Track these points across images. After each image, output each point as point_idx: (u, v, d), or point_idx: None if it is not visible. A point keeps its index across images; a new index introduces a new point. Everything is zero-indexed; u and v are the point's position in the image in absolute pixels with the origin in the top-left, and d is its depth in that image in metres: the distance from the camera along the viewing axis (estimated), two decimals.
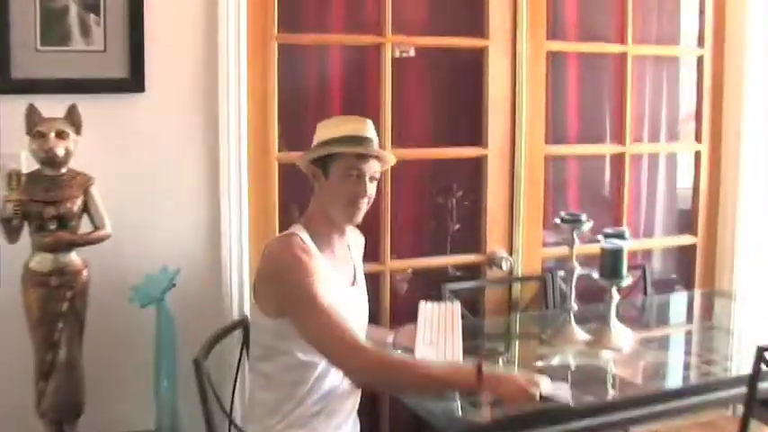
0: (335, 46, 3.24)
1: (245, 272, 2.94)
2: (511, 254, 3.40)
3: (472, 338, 2.83)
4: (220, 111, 2.84)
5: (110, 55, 2.69)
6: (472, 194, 3.44)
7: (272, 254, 2.33)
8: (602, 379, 2.70)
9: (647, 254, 3.91)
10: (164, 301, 2.73)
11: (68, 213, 2.52)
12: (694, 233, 3.77)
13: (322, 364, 2.30)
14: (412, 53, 3.27)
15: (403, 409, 2.64)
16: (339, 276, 2.41)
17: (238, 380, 2.69)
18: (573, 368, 2.77)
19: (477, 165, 3.37)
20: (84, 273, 2.59)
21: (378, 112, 3.11)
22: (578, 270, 2.98)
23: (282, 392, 2.34)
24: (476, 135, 3.34)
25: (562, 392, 2.30)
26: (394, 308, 3.24)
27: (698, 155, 3.74)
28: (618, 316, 2.92)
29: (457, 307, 2.84)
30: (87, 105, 2.56)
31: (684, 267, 3.90)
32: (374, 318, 2.76)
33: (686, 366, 2.86)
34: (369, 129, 2.40)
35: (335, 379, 2.35)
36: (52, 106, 2.52)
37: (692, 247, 3.79)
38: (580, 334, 2.96)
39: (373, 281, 3.05)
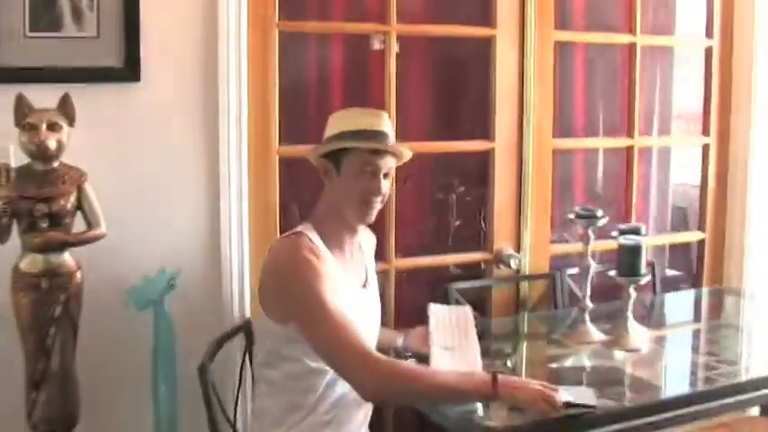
0: (338, 34, 3.10)
1: (246, 272, 2.80)
2: (518, 251, 3.28)
3: (481, 339, 2.70)
4: (220, 101, 2.69)
5: (103, 42, 2.52)
6: (478, 190, 3.33)
7: (278, 255, 2.20)
8: (624, 381, 2.59)
9: (656, 251, 3.81)
10: (162, 305, 2.57)
11: (61, 211, 2.35)
12: (702, 229, 3.68)
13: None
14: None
15: (407, 410, 2.51)
16: (350, 278, 2.28)
17: (241, 387, 2.54)
18: (589, 369, 2.66)
19: (484, 159, 3.24)
20: (78, 275, 2.42)
21: (381, 104, 2.98)
22: (594, 267, 2.87)
23: (290, 401, 2.21)
24: (482, 128, 3.22)
25: (587, 397, 2.20)
26: (399, 307, 3.11)
27: (705, 148, 3.65)
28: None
29: (468, 310, 2.72)
30: (79, 95, 2.39)
31: (691, 264, 3.81)
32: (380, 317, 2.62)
33: (707, 367, 2.74)
34: (385, 122, 2.27)
35: (347, 386, 2.20)
36: (42, 96, 2.34)
37: (701, 244, 3.69)
38: (596, 334, 2.85)
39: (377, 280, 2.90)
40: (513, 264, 3.23)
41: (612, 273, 2.81)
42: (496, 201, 3.23)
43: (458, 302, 3.09)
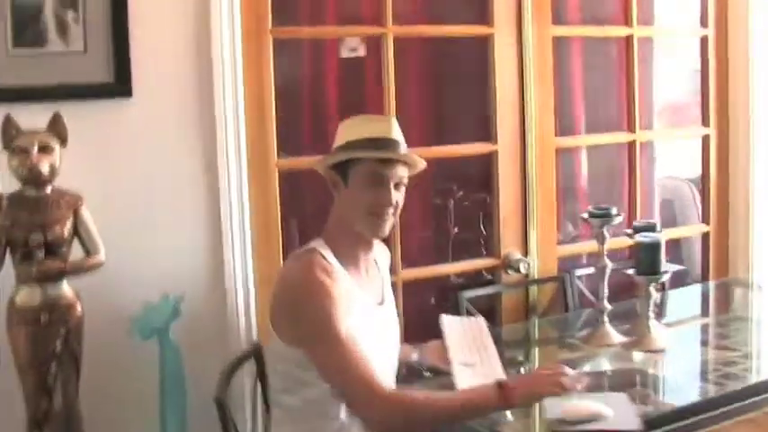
0: (332, 40, 2.97)
1: (252, 293, 2.66)
2: (526, 255, 3.18)
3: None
4: (217, 114, 2.56)
5: (91, 56, 2.38)
6: (481, 194, 3.22)
7: (289, 274, 2.08)
8: (657, 384, 2.49)
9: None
10: (167, 333, 2.43)
11: (58, 239, 2.20)
12: (707, 221, 3.61)
13: None
14: (361, 52, 3.03)
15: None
16: (366, 296, 2.15)
17: (251, 414, 2.44)
18: (613, 373, 2.57)
19: (486, 162, 3.14)
20: (78, 306, 2.27)
21: (380, 108, 2.86)
22: (610, 266, 2.78)
23: (311, 429, 2.08)
24: (483, 130, 3.12)
25: (625, 414, 2.12)
26: (407, 319, 2.98)
27: (705, 139, 3.58)
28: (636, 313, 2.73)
29: (482, 321, 2.60)
30: (68, 114, 2.25)
31: (693, 257, 3.75)
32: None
33: (735, 363, 2.66)
34: (393, 129, 2.14)
35: None
36: (28, 116, 2.21)
37: (706, 236, 3.63)
38: (615, 336, 2.76)
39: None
40: (522, 268, 3.12)
41: (630, 271, 2.73)
42: (502, 204, 3.13)
43: (468, 312, 2.99)
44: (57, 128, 2.21)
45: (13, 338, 2.21)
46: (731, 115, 3.55)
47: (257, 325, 2.66)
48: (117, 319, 2.40)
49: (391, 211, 2.10)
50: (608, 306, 2.78)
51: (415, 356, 2.46)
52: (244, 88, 2.60)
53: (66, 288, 2.25)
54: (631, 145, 3.41)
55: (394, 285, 2.90)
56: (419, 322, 2.86)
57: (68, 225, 2.22)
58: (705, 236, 3.63)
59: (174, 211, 2.55)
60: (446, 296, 3.25)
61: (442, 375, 2.28)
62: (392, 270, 2.87)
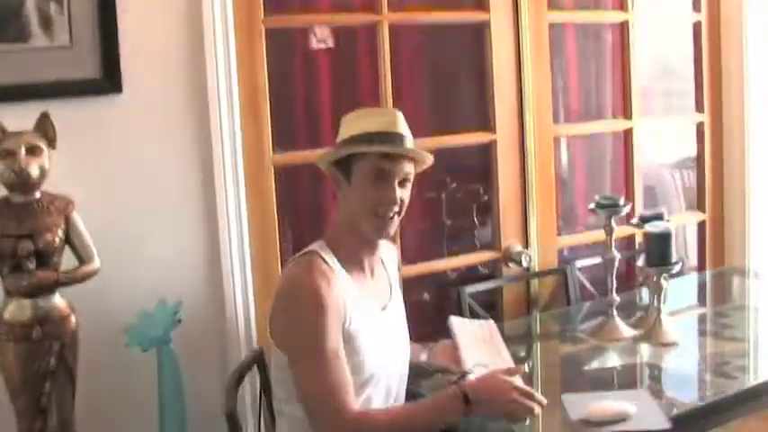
0: (326, 27, 2.85)
1: (251, 298, 2.54)
2: (526, 247, 3.09)
3: None
4: (211, 110, 2.42)
5: (77, 51, 2.22)
6: (480, 185, 3.12)
7: (286, 280, 1.97)
8: (675, 380, 2.42)
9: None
10: (167, 343, 2.29)
11: (49, 247, 2.05)
12: (702, 209, 3.56)
13: (361, 398, 1.95)
14: (330, 44, 2.91)
15: None
16: (369, 301, 2.03)
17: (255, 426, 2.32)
18: (624, 368, 2.50)
19: (484, 152, 3.04)
20: (72, 319, 2.13)
21: (375, 97, 2.75)
22: (618, 258, 2.71)
23: None
24: (481, 119, 3.01)
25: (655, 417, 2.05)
26: (409, 317, 2.88)
27: (700, 126, 3.52)
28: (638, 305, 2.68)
29: (493, 324, 2.50)
30: (54, 113, 2.09)
31: (686, 245, 3.70)
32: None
33: (742, 355, 2.60)
34: (398, 123, 2.01)
35: None
36: (12, 117, 2.05)
37: (702, 225, 3.57)
38: (625, 329, 2.69)
39: None
40: (524, 261, 3.04)
41: (640, 262, 2.67)
42: (501, 195, 3.03)
43: (471, 308, 2.90)
44: (44, 128, 2.05)
45: (2, 356, 2.05)
46: (725, 101, 3.50)
47: (257, 330, 2.53)
48: (111, 329, 2.26)
49: (396, 209, 1.98)
50: (617, 299, 2.71)
51: (424, 357, 2.34)
52: (238, 80, 2.46)
53: (58, 299, 2.10)
54: (627, 132, 3.34)
55: None
56: (417, 320, 2.74)
57: (60, 232, 2.07)
58: (701, 224, 3.58)
59: (168, 213, 2.41)
60: (445, 292, 3.16)
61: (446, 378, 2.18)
62: None
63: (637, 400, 2.13)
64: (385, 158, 1.95)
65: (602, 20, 3.36)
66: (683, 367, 2.50)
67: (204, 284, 2.47)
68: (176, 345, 2.33)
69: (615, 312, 2.70)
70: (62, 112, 2.13)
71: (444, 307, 3.12)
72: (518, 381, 1.99)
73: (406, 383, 2.16)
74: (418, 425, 1.92)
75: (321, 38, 2.88)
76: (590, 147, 3.60)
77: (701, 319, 3.01)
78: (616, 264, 2.71)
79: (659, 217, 2.75)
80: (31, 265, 2.02)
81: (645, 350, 2.59)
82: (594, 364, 2.55)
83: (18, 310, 2.05)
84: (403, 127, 2.01)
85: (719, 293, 3.38)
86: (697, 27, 3.47)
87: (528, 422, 1.99)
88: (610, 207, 2.67)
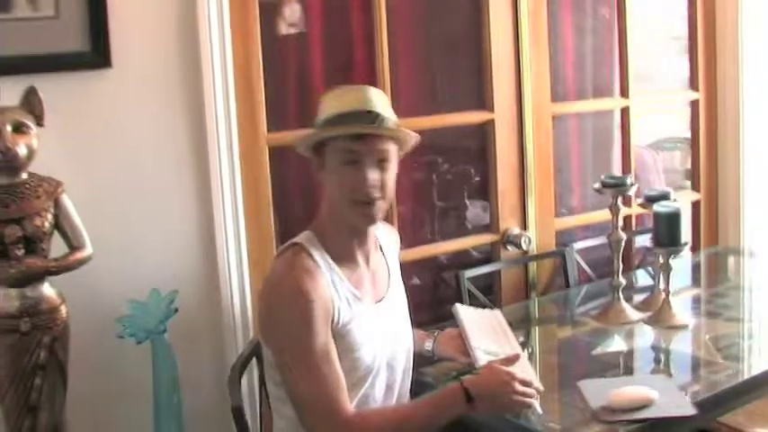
0: (318, 2, 2.71)
1: (246, 284, 2.41)
2: (524, 229, 3.00)
3: None
4: (205, 85, 2.28)
5: (64, 22, 2.07)
6: (477, 166, 3.01)
7: (270, 280, 1.84)
8: (691, 363, 2.36)
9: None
10: (162, 335, 2.15)
11: (37, 232, 1.91)
12: (697, 189, 3.51)
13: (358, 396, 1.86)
14: (303, 27, 2.78)
15: None
16: (363, 294, 1.91)
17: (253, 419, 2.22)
18: (638, 352, 2.44)
19: (480, 132, 2.94)
20: (63, 309, 1.99)
21: (373, 77, 2.63)
22: (625, 238, 2.63)
23: None
24: (479, 98, 2.91)
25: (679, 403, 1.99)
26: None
27: (694, 104, 3.46)
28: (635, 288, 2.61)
29: (499, 314, 2.41)
30: (40, 89, 1.94)
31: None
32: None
33: (752, 336, 2.55)
34: (370, 99, 1.84)
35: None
36: None
37: (696, 204, 3.52)
38: (632, 312, 2.62)
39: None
40: (523, 244, 2.95)
41: (647, 243, 2.60)
42: (500, 176, 2.93)
43: (470, 293, 2.81)
44: (31, 104, 1.91)
45: None
46: (719, 79, 3.44)
47: (253, 317, 2.41)
48: (101, 320, 2.13)
49: (376, 194, 1.82)
50: (622, 281, 2.64)
51: (428, 345, 2.25)
52: (233, 53, 2.32)
53: (48, 289, 1.96)
54: (624, 111, 3.27)
55: None
56: (414, 306, 2.64)
57: (49, 216, 1.93)
58: (695, 204, 3.52)
59: (160, 195, 2.27)
60: (440, 277, 3.06)
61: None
62: None
63: (657, 385, 2.06)
64: (356, 139, 1.80)
65: None
66: (694, 350, 2.44)
67: (198, 270, 2.34)
68: (170, 335, 2.20)
69: (621, 295, 2.64)
70: (47, 88, 1.98)
71: (441, 292, 3.02)
72: (518, 369, 1.91)
73: (410, 375, 2.05)
74: (417, 425, 1.84)
75: (291, 21, 2.73)
76: (583, 126, 3.51)
77: (699, 299, 2.95)
78: (622, 245, 2.64)
79: (665, 196, 2.68)
80: (19, 251, 1.88)
81: (654, 333, 2.52)
82: (603, 349, 2.47)
83: (5, 300, 1.91)
84: (375, 103, 1.84)
85: (715, 273, 3.33)
86: (692, 3, 3.40)
87: (534, 413, 1.91)
88: (616, 186, 2.60)
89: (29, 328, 1.91)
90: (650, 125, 4.53)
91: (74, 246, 1.98)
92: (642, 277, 3.13)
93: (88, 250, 1.99)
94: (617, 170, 3.39)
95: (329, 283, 1.81)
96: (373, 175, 1.81)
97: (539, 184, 3.01)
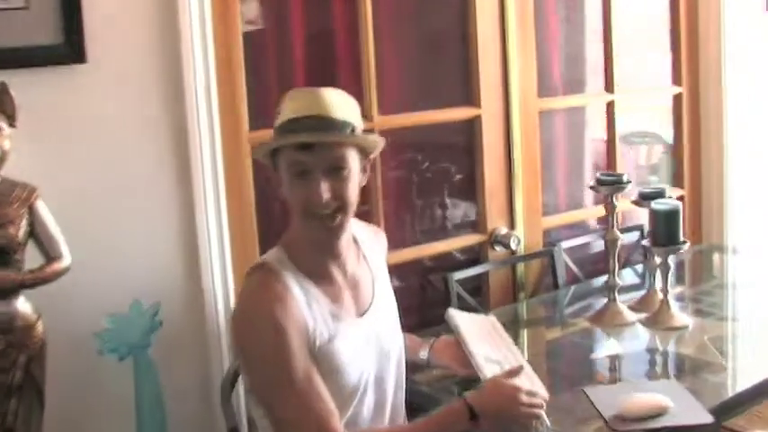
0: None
1: (231, 294, 2.27)
2: (512, 228, 2.91)
3: None
4: (186, 81, 2.14)
5: (34, 13, 1.91)
6: (463, 163, 2.91)
7: (239, 309, 1.71)
8: (698, 366, 2.28)
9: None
10: (145, 350, 2.01)
11: (11, 242, 1.76)
12: (681, 185, 3.45)
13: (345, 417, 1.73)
14: (260, 25, 2.66)
15: None
16: (343, 311, 1.76)
17: None
18: (640, 356, 2.36)
19: (467, 128, 2.84)
20: (39, 326, 1.83)
21: (357, 73, 2.51)
22: (621, 239, 2.56)
23: None
24: (464, 93, 2.81)
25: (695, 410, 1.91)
26: None
27: (677, 98, 3.41)
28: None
29: (494, 319, 2.30)
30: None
31: None
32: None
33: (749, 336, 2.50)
34: (321, 103, 1.66)
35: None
36: None
37: (679, 200, 3.44)
38: (629, 314, 2.55)
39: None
40: (513, 244, 2.86)
41: (645, 242, 2.53)
42: (487, 175, 2.84)
43: (459, 296, 2.71)
44: (2, 103, 1.76)
45: None
46: (702, 72, 3.39)
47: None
48: (79, 335, 1.98)
49: (330, 206, 1.67)
50: (619, 282, 2.57)
51: (423, 354, 2.11)
52: (214, 46, 2.18)
53: (22, 304, 1.81)
54: (609, 105, 3.20)
55: None
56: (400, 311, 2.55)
57: (23, 225, 1.78)
58: (678, 199, 3.45)
59: (139, 199, 2.12)
60: (426, 279, 2.95)
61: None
62: None
63: (668, 391, 1.98)
64: (303, 149, 1.63)
65: None
66: (697, 353, 2.37)
67: (181, 280, 2.20)
68: (152, 348, 2.06)
69: (617, 296, 2.56)
70: (16, 85, 1.83)
71: (427, 295, 2.92)
72: (523, 381, 1.81)
73: (404, 390, 1.91)
74: None
75: (249, 18, 2.58)
76: (559, 122, 3.44)
77: (684, 298, 2.88)
78: (619, 244, 2.56)
79: (661, 194, 2.61)
80: None
81: (653, 335, 2.45)
82: (601, 352, 2.40)
83: None
84: (328, 107, 1.66)
85: (700, 271, 3.28)
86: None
87: (543, 425, 1.80)
88: (612, 184, 2.52)
89: (2, 347, 1.77)
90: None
91: (50, 256, 1.83)
92: (628, 275, 3.07)
93: (66, 261, 1.84)
94: (588, 167, 3.35)
95: (303, 306, 1.67)
96: (324, 187, 1.64)
97: (526, 182, 2.92)
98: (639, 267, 3.17)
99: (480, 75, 2.79)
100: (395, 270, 2.70)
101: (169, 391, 2.10)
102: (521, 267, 2.96)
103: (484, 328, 2.20)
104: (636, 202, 2.66)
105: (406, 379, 1.95)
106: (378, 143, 1.75)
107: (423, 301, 2.91)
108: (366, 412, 1.78)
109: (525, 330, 2.68)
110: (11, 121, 1.76)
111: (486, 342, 2.11)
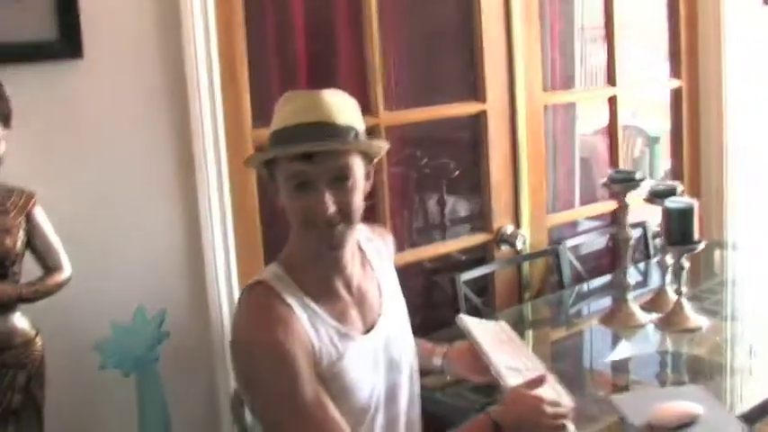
0: None
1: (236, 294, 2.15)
2: (517, 227, 2.82)
3: None
4: (188, 77, 2.02)
5: (28, 7, 1.79)
6: (468, 160, 2.82)
7: (239, 336, 1.56)
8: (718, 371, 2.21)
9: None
10: (153, 363, 1.88)
11: (9, 254, 1.63)
12: (680, 179, 3.39)
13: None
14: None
15: None
16: (349, 328, 1.64)
17: None
18: (658, 359, 2.28)
19: (472, 124, 2.75)
20: (38, 342, 1.71)
21: (362, 68, 2.40)
22: (634, 236, 2.49)
23: None
24: (470, 89, 2.71)
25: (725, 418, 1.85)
26: None
27: (677, 92, 3.35)
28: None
29: (506, 325, 2.20)
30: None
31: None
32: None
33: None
34: (322, 108, 1.53)
35: None
36: None
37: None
38: (641, 315, 2.48)
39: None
40: (519, 243, 2.77)
41: (658, 241, 2.46)
42: (493, 171, 2.75)
43: (467, 297, 2.61)
44: None
45: None
46: (702, 66, 3.33)
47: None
48: (77, 350, 1.85)
49: (335, 219, 1.54)
50: (631, 282, 2.50)
51: (437, 362, 2.00)
52: (217, 38, 2.06)
53: (20, 320, 1.68)
54: (611, 100, 3.13)
55: None
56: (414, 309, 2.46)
57: (21, 234, 1.65)
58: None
59: (140, 202, 2.01)
60: (430, 280, 2.86)
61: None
62: None
63: (695, 397, 1.91)
64: (304, 159, 1.50)
65: None
66: (715, 356, 2.31)
67: (184, 285, 2.08)
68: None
69: (629, 297, 2.49)
70: (8, 82, 1.69)
71: (432, 296, 2.83)
72: (546, 391, 1.71)
73: (417, 406, 1.79)
74: None
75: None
76: (567, 116, 3.38)
77: (690, 297, 2.81)
78: (631, 242, 2.49)
79: (673, 191, 2.54)
80: None
81: (668, 337, 2.37)
82: (617, 355, 2.32)
83: None
84: (328, 112, 1.53)
85: (702, 269, 3.22)
86: None
87: None
88: (625, 181, 2.45)
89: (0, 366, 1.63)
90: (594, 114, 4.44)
91: (49, 267, 1.70)
92: (631, 273, 2.99)
93: (67, 272, 1.72)
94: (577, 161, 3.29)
95: (307, 326, 1.55)
96: (329, 199, 1.52)
97: (532, 179, 2.84)
98: (642, 265, 3.12)
99: (486, 69, 2.69)
100: (397, 271, 2.63)
101: (172, 407, 1.98)
102: (526, 266, 2.88)
103: (498, 335, 2.11)
104: (648, 200, 2.59)
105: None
106: (383, 148, 1.63)
107: (427, 303, 2.83)
108: (378, 430, 1.67)
109: (531, 331, 2.59)
110: (6, 121, 1.63)
111: (503, 349, 2.01)
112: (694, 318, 2.43)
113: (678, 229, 2.42)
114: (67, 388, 1.84)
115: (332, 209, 1.51)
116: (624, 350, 2.37)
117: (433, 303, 2.81)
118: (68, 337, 1.85)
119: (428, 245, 2.77)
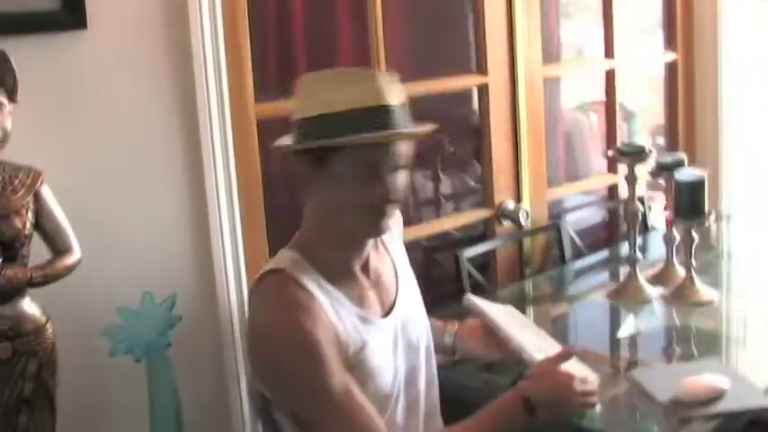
0: None
1: (244, 284, 2.08)
2: (518, 201, 2.78)
3: None
4: (194, 46, 1.92)
5: None
6: (469, 136, 2.76)
7: (260, 325, 1.51)
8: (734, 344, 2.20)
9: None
10: (165, 349, 1.80)
11: (17, 235, 1.53)
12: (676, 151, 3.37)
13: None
14: None
15: None
16: (369, 312, 1.60)
17: None
18: (673, 333, 2.27)
19: (470, 97, 2.69)
20: (49, 329, 1.62)
21: (364, 42, 2.33)
22: (642, 209, 2.46)
23: None
24: (468, 59, 2.65)
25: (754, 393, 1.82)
26: None
27: (672, 66, 3.31)
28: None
29: (513, 309, 2.15)
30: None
31: None
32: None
33: None
34: (385, 91, 1.45)
35: None
36: None
37: None
38: (650, 289, 2.45)
39: None
40: (521, 218, 2.73)
41: (667, 213, 2.43)
42: (494, 146, 2.69)
43: (471, 275, 2.57)
44: (1, 74, 1.52)
45: None
46: (697, 39, 3.30)
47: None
48: (89, 335, 1.76)
49: (398, 203, 1.53)
50: (639, 256, 2.46)
51: (448, 339, 1.93)
52: (222, 8, 1.97)
53: (30, 305, 1.59)
54: (609, 73, 3.08)
55: None
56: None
57: (29, 215, 1.55)
58: None
59: (146, 178, 1.91)
60: (430, 257, 2.81)
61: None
62: None
63: (717, 371, 1.88)
64: (374, 146, 1.46)
65: None
66: (731, 329, 2.29)
67: (191, 264, 2.00)
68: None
69: (638, 271, 2.46)
70: (12, 53, 1.58)
71: (433, 273, 2.78)
72: (574, 367, 1.68)
73: (436, 388, 1.75)
74: None
75: None
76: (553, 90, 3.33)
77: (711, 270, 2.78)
78: (639, 217, 2.46)
79: (680, 163, 2.51)
80: None
81: (679, 311, 2.35)
82: (629, 330, 2.29)
83: None
84: (394, 95, 1.47)
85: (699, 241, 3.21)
86: None
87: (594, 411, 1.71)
88: (634, 154, 2.41)
89: (9, 355, 1.55)
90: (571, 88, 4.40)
91: (59, 249, 1.61)
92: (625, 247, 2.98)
93: (77, 254, 1.63)
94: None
95: (330, 312, 1.50)
96: (393, 183, 1.48)
97: (532, 153, 2.79)
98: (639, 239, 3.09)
99: (487, 41, 2.62)
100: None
101: (181, 392, 1.91)
102: (527, 242, 2.84)
103: (511, 315, 2.06)
104: (654, 173, 2.56)
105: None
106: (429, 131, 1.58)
107: (429, 280, 2.77)
108: (398, 417, 1.62)
109: (531, 307, 2.57)
110: (11, 95, 1.53)
111: (519, 328, 1.97)
112: (705, 291, 2.41)
113: (688, 202, 2.39)
114: (78, 373, 1.75)
115: (395, 193, 1.48)
116: (639, 325, 2.33)
117: (435, 280, 2.76)
118: (78, 322, 1.76)
119: (428, 221, 2.71)
